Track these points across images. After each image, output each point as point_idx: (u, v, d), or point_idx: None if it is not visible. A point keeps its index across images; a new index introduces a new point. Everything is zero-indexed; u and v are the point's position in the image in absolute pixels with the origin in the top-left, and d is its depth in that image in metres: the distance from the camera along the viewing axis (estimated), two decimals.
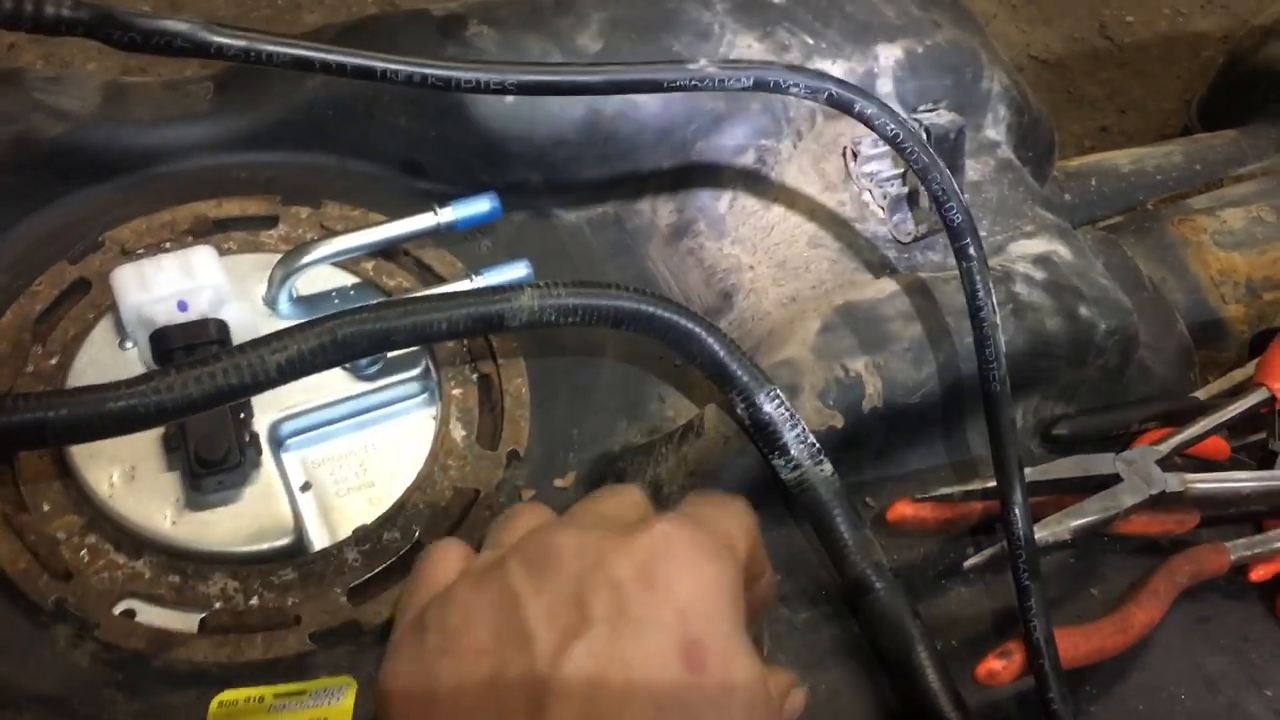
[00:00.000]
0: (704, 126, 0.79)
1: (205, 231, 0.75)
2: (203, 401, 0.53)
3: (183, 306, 0.67)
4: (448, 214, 0.72)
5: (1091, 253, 0.80)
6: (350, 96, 0.78)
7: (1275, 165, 1.10)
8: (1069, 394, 0.77)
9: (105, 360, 0.68)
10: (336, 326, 0.56)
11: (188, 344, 0.66)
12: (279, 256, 0.72)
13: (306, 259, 0.70)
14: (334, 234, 0.72)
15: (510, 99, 0.77)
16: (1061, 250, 0.77)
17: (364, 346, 0.58)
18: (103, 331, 0.69)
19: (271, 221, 0.77)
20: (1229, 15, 1.71)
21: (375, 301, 0.70)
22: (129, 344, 0.68)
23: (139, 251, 0.73)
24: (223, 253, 0.73)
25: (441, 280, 0.75)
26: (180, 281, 0.67)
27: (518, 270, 0.72)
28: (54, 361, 0.68)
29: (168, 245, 0.74)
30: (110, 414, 0.51)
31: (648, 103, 0.78)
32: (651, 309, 0.64)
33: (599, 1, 0.81)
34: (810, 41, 0.81)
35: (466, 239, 0.78)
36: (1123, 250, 0.91)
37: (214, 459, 0.63)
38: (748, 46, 0.80)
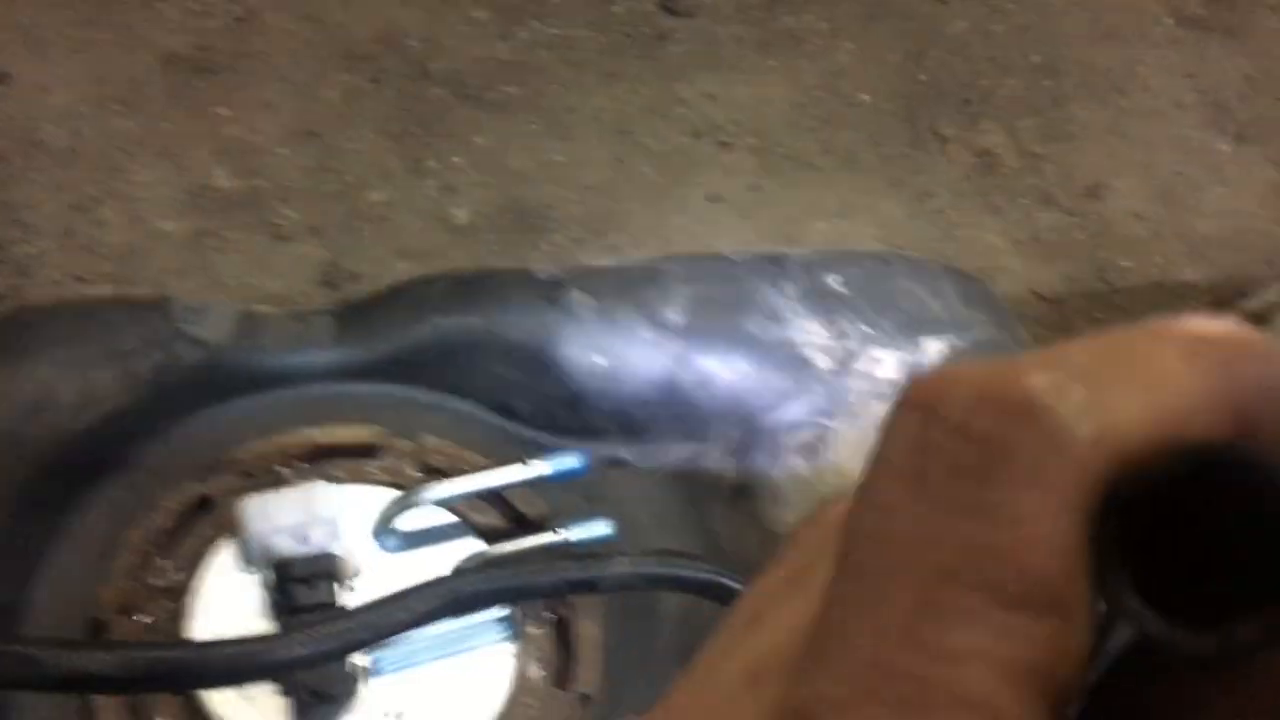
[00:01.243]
0: (771, 401, 0.89)
1: (315, 457, 0.83)
2: (339, 653, 0.61)
3: (302, 539, 0.75)
4: (543, 468, 0.81)
5: None
6: (459, 341, 0.87)
7: None
8: None
9: (228, 583, 0.75)
10: (457, 587, 0.65)
11: (306, 576, 0.74)
12: (383, 489, 0.81)
13: (415, 501, 0.79)
14: (439, 475, 0.81)
15: (603, 360, 0.86)
16: None
17: (479, 605, 0.67)
18: (225, 554, 0.77)
19: (374, 451, 0.85)
20: (1214, 268, 1.87)
21: (482, 562, 0.78)
22: (251, 569, 0.76)
23: (255, 474, 0.81)
24: (330, 481, 0.81)
25: (527, 522, 0.83)
26: (302, 516, 0.75)
27: (600, 528, 0.80)
28: (180, 578, 0.75)
29: (280, 469, 0.82)
30: (261, 664, 0.59)
31: (724, 373, 0.88)
32: (728, 582, 0.73)
33: (683, 277, 0.91)
34: (868, 331, 0.92)
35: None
36: None
37: (328, 692, 0.70)
38: (813, 331, 0.91)
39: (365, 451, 0.85)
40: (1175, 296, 1.84)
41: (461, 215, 1.59)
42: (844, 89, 1.93)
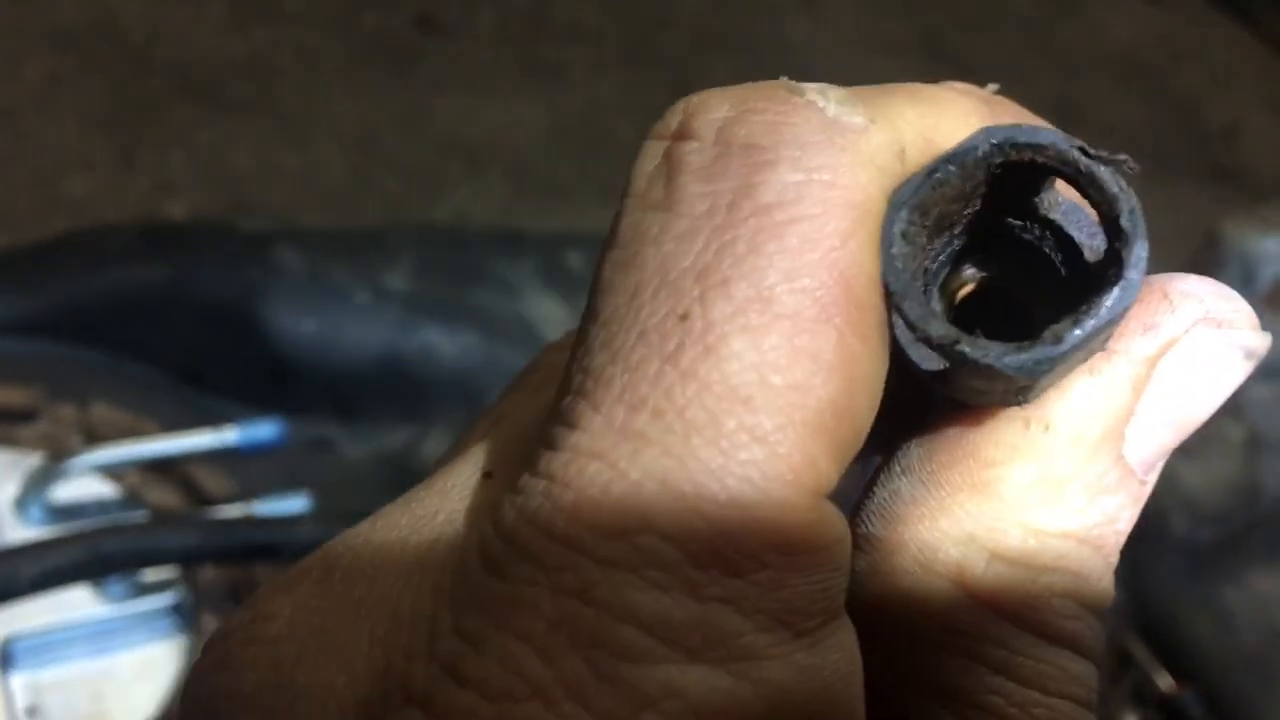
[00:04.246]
0: (502, 377, 0.85)
1: None
2: None
3: None
4: (230, 436, 0.74)
5: None
6: (141, 298, 0.79)
7: None
8: None
9: None
10: (99, 543, 0.57)
11: None
12: (34, 456, 0.71)
13: (66, 468, 0.70)
14: (100, 441, 0.73)
15: (314, 326, 0.81)
16: None
17: (126, 566, 0.59)
18: None
19: (30, 416, 0.76)
20: None
21: (140, 518, 0.70)
22: None
23: None
24: None
25: (210, 501, 0.76)
26: None
27: (297, 503, 0.74)
28: None
29: None
30: None
31: (448, 347, 0.84)
32: None
33: (409, 243, 0.87)
34: None
35: (245, 459, 0.79)
36: None
37: None
38: (549, 308, 0.88)
39: (17, 415, 0.76)
40: None
41: (177, 212, 1.49)
42: (604, 120, 1.95)
